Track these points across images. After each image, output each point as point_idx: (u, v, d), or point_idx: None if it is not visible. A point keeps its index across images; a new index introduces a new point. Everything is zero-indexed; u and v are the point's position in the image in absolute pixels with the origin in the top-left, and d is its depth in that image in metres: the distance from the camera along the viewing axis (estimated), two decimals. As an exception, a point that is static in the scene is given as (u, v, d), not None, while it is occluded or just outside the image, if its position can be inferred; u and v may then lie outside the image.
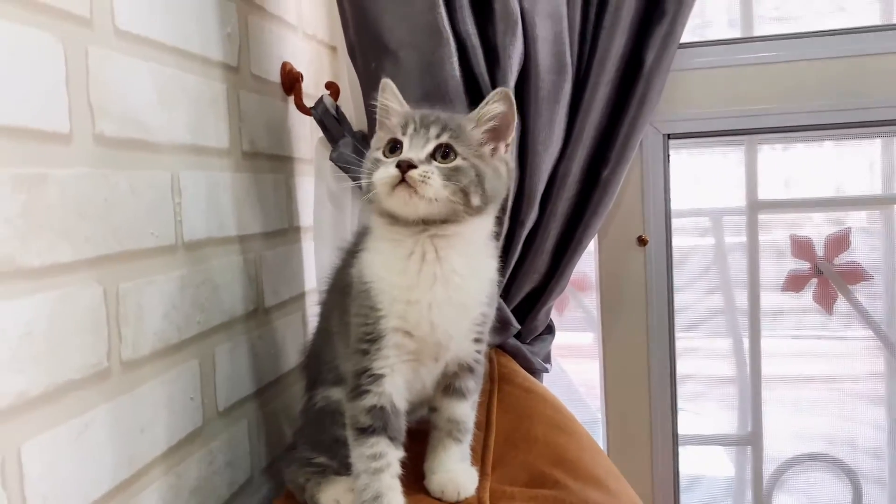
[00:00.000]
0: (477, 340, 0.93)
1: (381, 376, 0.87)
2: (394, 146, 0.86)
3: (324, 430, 0.99)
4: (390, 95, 0.90)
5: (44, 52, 0.76)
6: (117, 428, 0.85)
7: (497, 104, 0.88)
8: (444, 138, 0.85)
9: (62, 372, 0.77)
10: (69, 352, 0.78)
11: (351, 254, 0.96)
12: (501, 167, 0.90)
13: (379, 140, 0.90)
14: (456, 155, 0.85)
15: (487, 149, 0.89)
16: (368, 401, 0.87)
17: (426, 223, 0.85)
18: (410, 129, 0.86)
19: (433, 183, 0.81)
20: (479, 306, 0.91)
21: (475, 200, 0.84)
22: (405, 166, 0.81)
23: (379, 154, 0.87)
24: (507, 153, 0.91)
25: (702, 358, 1.73)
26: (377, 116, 0.91)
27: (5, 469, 0.69)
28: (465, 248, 0.88)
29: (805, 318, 1.64)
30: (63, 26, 0.78)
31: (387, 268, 0.87)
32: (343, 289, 0.94)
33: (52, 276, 0.76)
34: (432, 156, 0.84)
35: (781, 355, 1.67)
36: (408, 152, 0.84)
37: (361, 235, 0.95)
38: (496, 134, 0.89)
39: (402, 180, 0.81)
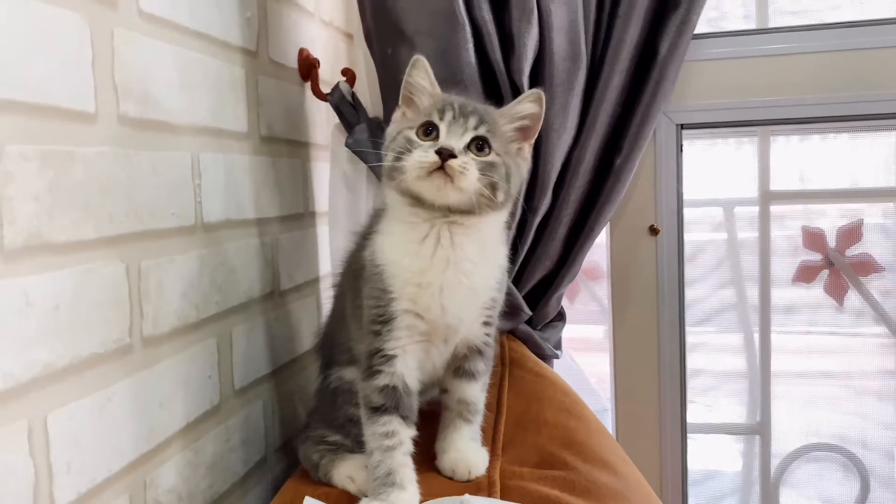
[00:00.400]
0: (486, 324, 0.95)
1: (393, 357, 0.89)
2: (428, 129, 0.86)
3: (338, 409, 1.01)
4: (423, 73, 0.90)
5: (71, 32, 0.78)
6: (138, 402, 0.87)
7: (531, 104, 0.89)
8: (482, 131, 0.86)
9: (86, 346, 0.79)
10: (93, 326, 0.80)
11: (364, 236, 0.97)
12: (524, 166, 0.92)
13: (406, 118, 0.90)
14: (490, 149, 0.86)
15: (515, 146, 0.90)
16: (381, 381, 0.89)
17: (450, 210, 0.86)
18: (448, 116, 0.86)
19: (470, 175, 0.82)
20: (488, 291, 0.92)
21: (500, 196, 0.86)
22: (446, 155, 0.82)
23: (412, 134, 0.87)
24: (528, 153, 0.93)
25: (712, 350, 1.73)
26: (403, 91, 0.91)
27: (32, 437, 0.71)
28: (479, 237, 0.89)
29: (816, 312, 1.64)
30: (90, 7, 0.80)
31: (399, 251, 0.89)
32: (356, 271, 0.95)
33: (76, 251, 0.78)
34: (468, 147, 0.85)
35: (792, 351, 1.67)
36: (447, 139, 0.85)
37: (375, 218, 0.96)
38: (524, 133, 0.91)
39: (440, 167, 0.82)
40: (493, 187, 0.84)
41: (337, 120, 1.35)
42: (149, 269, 0.90)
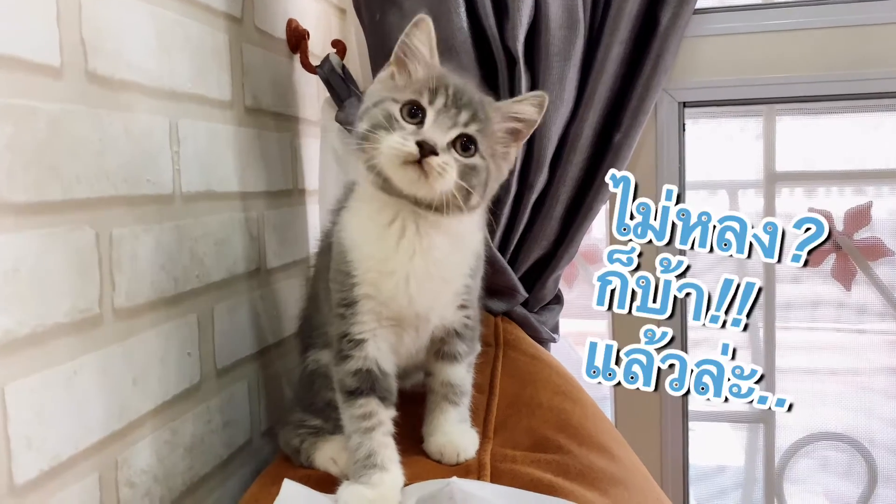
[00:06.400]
0: (463, 307, 0.90)
1: (361, 341, 0.84)
2: (413, 110, 0.78)
3: (316, 394, 0.96)
4: (424, 38, 0.81)
5: (33, -19, 0.73)
6: (108, 377, 0.83)
7: (531, 108, 0.82)
8: (472, 129, 0.78)
9: (50, 314, 0.74)
10: (58, 294, 0.75)
11: (335, 212, 0.92)
12: (505, 168, 0.85)
13: (393, 83, 0.82)
14: (476, 151, 0.79)
15: (501, 148, 0.84)
16: (353, 365, 0.84)
17: (417, 202, 0.79)
18: (440, 102, 0.78)
19: (448, 177, 0.76)
20: (461, 278, 0.87)
21: (473, 201, 0.80)
22: (428, 150, 0.75)
23: (395, 110, 0.79)
24: (514, 156, 0.86)
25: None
26: (397, 50, 0.82)
27: (-12, 408, 0.67)
28: (449, 228, 0.84)
29: (822, 305, 1.60)
30: (54, -43, 0.75)
31: (363, 234, 0.84)
32: (328, 247, 0.91)
33: (40, 213, 0.73)
34: (453, 142, 0.78)
35: (798, 342, 1.63)
36: (432, 132, 0.77)
37: (347, 191, 0.91)
38: (516, 135, 0.84)
39: (418, 161, 0.75)
40: (466, 192, 0.78)
41: (327, 94, 1.30)
42: (121, 236, 0.85)
